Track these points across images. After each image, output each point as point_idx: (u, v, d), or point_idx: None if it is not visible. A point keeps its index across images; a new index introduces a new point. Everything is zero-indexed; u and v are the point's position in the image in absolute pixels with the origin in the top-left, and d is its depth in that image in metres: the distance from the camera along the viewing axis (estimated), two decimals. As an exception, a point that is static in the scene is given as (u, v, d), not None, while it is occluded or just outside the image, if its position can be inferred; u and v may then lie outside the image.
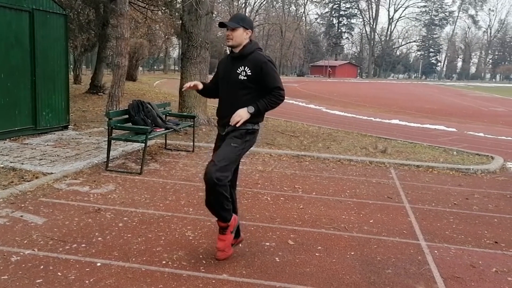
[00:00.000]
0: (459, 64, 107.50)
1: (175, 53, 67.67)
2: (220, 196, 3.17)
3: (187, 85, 3.50)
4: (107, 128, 6.16)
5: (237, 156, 3.28)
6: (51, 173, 5.54)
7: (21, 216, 4.19)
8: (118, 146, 7.24)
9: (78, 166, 5.92)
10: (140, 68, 34.59)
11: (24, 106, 7.42)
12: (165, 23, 17.92)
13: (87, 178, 5.59)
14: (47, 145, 7.13)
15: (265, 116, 3.52)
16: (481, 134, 12.19)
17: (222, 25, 3.31)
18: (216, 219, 3.40)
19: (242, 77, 3.23)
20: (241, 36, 3.26)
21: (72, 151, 6.82)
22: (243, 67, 3.24)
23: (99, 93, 16.67)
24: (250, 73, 3.22)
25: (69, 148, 7.02)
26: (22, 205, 4.47)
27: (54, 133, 8.09)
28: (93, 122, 10.12)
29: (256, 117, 3.31)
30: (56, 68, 7.96)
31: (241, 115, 3.22)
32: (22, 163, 5.89)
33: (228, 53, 3.46)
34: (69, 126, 8.68)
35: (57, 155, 6.50)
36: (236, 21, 3.27)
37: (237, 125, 3.23)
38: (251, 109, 3.21)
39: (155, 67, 56.79)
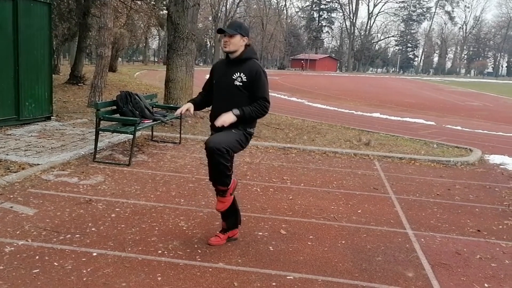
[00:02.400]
0: (436, 59, 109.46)
1: (154, 44, 66.83)
2: (220, 165, 3.21)
3: (178, 111, 3.58)
4: (95, 119, 6.10)
5: (235, 141, 3.30)
6: (38, 164, 5.48)
7: (11, 207, 4.14)
8: (104, 137, 7.17)
9: (65, 157, 5.87)
10: (119, 59, 34.07)
11: (7, 96, 7.27)
12: (147, 13, 17.69)
13: (75, 169, 5.55)
14: (31, 136, 7.02)
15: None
16: (459, 128, 12.52)
17: (220, 31, 3.40)
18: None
19: (238, 83, 3.32)
20: (238, 43, 3.36)
21: (57, 142, 6.73)
22: (238, 73, 3.33)
23: (79, 84, 16.39)
24: (245, 80, 3.32)
25: (54, 139, 6.93)
26: (11, 196, 4.42)
27: (37, 124, 7.96)
28: (76, 113, 9.98)
29: (243, 124, 3.35)
30: (40, 58, 7.81)
31: (225, 119, 3.26)
32: (7, 154, 5.80)
33: (224, 57, 3.53)
34: (52, 117, 8.54)
35: (42, 146, 6.41)
36: (234, 28, 3.37)
37: (222, 123, 3.25)
38: (236, 111, 3.27)
39: (133, 58, 56.03)
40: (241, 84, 3.32)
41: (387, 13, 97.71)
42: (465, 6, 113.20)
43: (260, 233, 3.92)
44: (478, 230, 4.31)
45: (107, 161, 6.04)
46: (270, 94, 3.45)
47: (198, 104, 3.63)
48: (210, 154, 3.18)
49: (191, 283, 3.00)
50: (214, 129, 3.44)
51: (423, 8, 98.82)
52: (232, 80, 3.33)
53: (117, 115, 6.39)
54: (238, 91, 3.33)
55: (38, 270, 3.03)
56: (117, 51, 24.51)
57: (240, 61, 3.38)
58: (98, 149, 6.32)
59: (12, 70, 7.31)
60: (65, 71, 21.40)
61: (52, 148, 6.33)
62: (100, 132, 6.13)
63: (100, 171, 5.57)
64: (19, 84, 7.44)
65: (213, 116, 3.46)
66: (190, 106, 3.55)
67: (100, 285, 2.89)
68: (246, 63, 3.36)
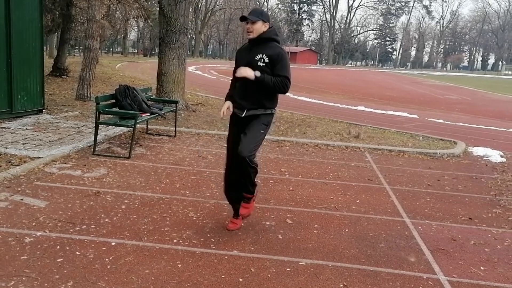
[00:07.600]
0: (413, 53, 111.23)
1: (132, 35, 65.87)
2: (251, 174, 3.61)
3: (221, 114, 3.74)
4: (87, 112, 6.15)
5: (262, 139, 3.66)
6: (39, 157, 5.51)
7: (21, 199, 4.20)
8: (100, 130, 7.18)
9: (65, 151, 5.90)
10: (99, 50, 33.59)
11: (0, 89, 7.21)
12: (131, 5, 17.55)
13: (77, 162, 5.60)
14: (26, 129, 7.00)
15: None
16: (441, 121, 12.93)
17: (243, 18, 3.57)
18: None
19: (261, 64, 3.55)
20: (260, 29, 3.58)
21: (54, 135, 6.74)
22: (261, 54, 3.55)
23: (62, 76, 16.20)
24: (267, 61, 3.55)
25: (50, 132, 6.93)
26: (19, 189, 4.47)
27: (30, 117, 7.91)
28: (65, 106, 9.91)
29: (270, 102, 3.68)
30: (31, 51, 7.75)
31: (247, 71, 3.51)
32: (6, 147, 5.80)
33: (246, 43, 3.74)
34: (43, 110, 8.49)
35: (40, 139, 6.42)
36: (256, 15, 3.57)
37: (240, 75, 3.52)
38: (258, 73, 3.51)
39: (112, 50, 55.17)
40: (263, 64, 3.54)
41: (366, 6, 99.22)
42: (443, 0, 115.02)
43: (268, 223, 4.10)
44: (470, 218, 4.59)
45: (106, 154, 6.10)
46: None
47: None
48: (244, 165, 3.50)
49: (210, 269, 3.16)
50: (239, 108, 3.65)
51: (402, 2, 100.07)
52: (256, 61, 3.55)
53: (116, 109, 6.44)
54: (261, 71, 3.53)
55: (62, 259, 3.13)
56: (99, 42, 24.17)
57: (261, 41, 3.58)
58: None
59: (5, 63, 7.24)
60: (45, 63, 21.01)
61: (50, 141, 6.35)
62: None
63: (102, 164, 5.64)
64: (11, 77, 7.37)
65: (238, 96, 3.66)
66: (229, 104, 3.73)
67: (124, 272, 3.02)
68: (267, 44, 3.57)
